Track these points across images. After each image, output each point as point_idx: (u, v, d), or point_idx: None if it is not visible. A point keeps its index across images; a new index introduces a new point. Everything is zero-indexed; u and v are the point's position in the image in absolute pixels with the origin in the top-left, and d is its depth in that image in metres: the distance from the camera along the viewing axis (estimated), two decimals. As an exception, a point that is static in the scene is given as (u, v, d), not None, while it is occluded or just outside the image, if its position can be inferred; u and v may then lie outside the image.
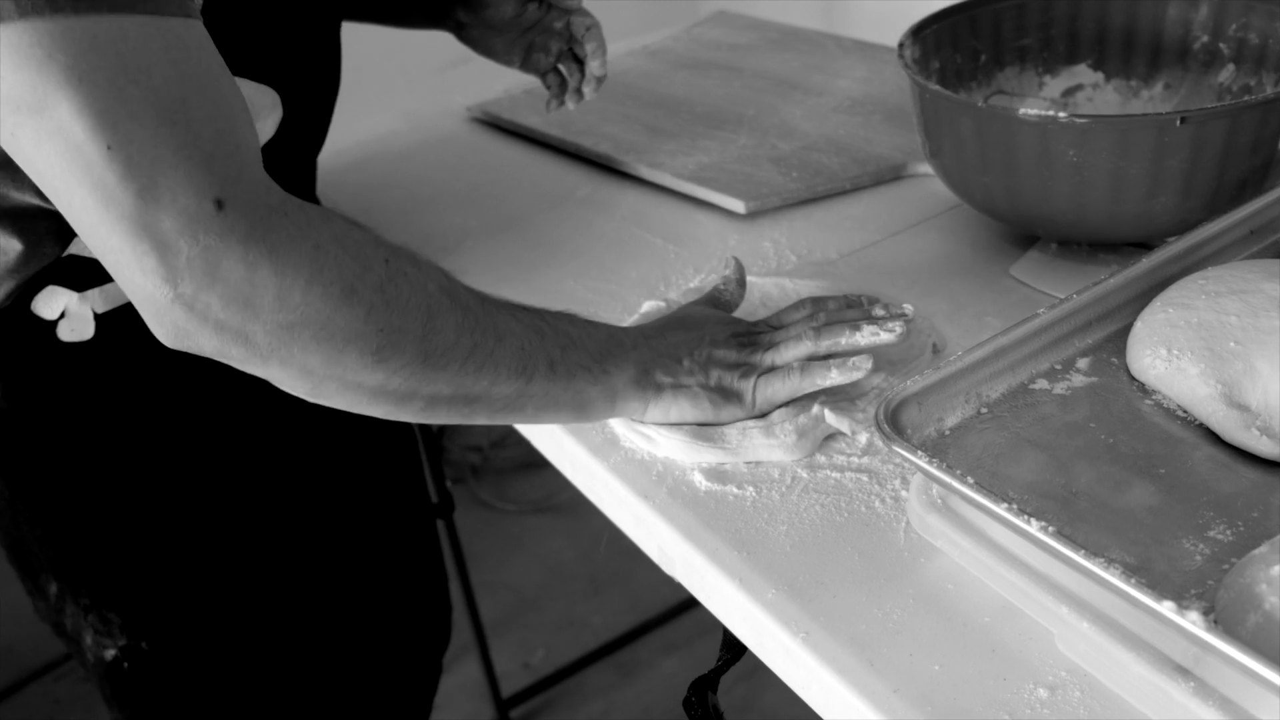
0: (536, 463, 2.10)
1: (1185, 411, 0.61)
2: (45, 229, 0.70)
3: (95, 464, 0.79)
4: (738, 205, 0.99)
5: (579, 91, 0.98)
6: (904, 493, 0.65)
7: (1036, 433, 0.61)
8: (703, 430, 0.69)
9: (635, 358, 0.69)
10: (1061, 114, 0.73)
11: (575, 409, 0.67)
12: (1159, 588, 0.45)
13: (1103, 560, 0.47)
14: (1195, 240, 0.70)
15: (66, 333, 0.74)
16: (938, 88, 0.80)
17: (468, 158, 1.19)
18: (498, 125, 1.24)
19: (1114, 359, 0.66)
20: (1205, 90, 0.91)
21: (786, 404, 0.70)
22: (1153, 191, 0.74)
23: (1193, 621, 0.43)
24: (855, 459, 0.68)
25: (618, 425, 0.73)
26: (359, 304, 0.56)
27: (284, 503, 0.88)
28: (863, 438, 0.69)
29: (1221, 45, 0.90)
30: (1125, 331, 0.66)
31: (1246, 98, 0.84)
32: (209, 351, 0.55)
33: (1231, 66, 0.89)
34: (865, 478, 0.67)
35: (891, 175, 1.03)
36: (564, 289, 0.90)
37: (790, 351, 0.70)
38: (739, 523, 0.65)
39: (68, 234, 0.71)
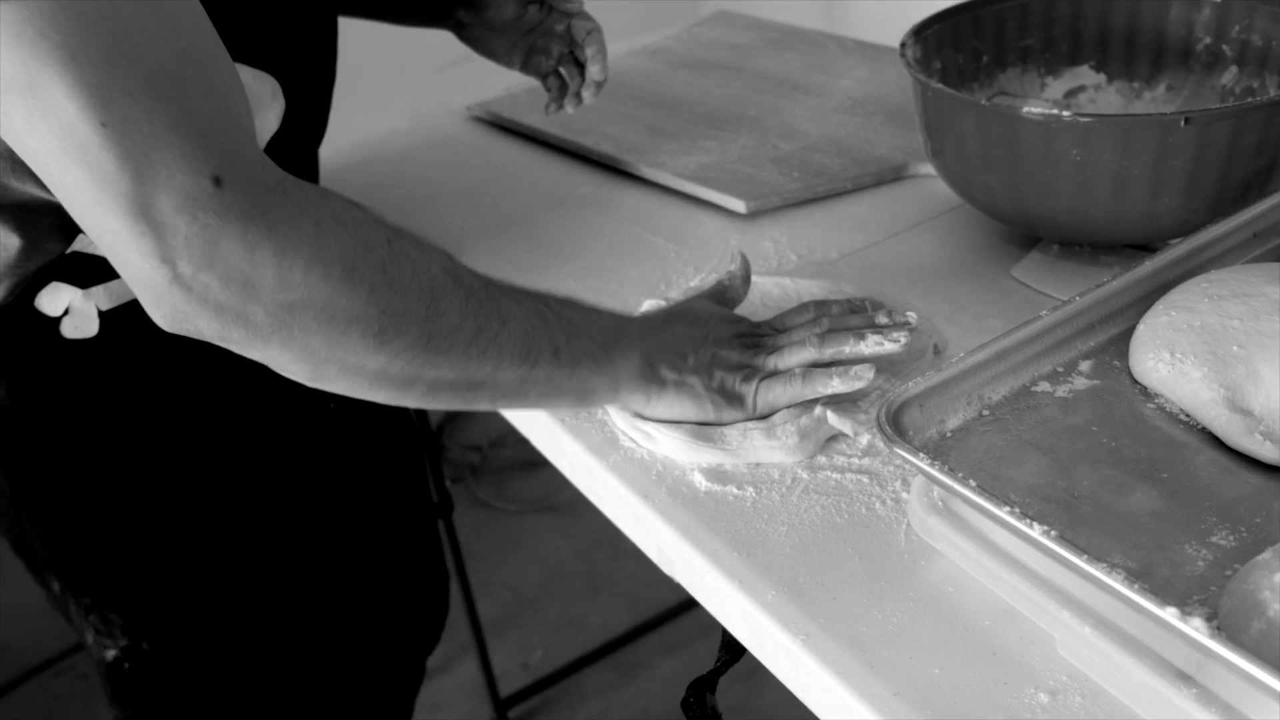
0: (535, 462, 2.10)
1: (1188, 415, 0.61)
2: (48, 224, 0.69)
3: (98, 462, 0.79)
4: (739, 205, 0.98)
5: (578, 95, 0.98)
6: (905, 494, 0.64)
7: (1038, 436, 0.60)
8: (703, 430, 0.69)
9: (641, 348, 0.68)
10: (1065, 113, 0.73)
11: (578, 396, 0.67)
12: (1162, 593, 0.45)
13: (1105, 565, 0.46)
14: (1198, 243, 0.70)
15: (70, 330, 0.74)
16: (940, 86, 0.80)
17: (468, 157, 1.19)
18: (498, 124, 1.24)
19: (1116, 362, 0.65)
20: (1208, 92, 0.91)
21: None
22: (1156, 192, 0.74)
23: (1196, 628, 0.43)
24: (856, 460, 0.68)
25: (618, 422, 0.73)
26: (361, 284, 0.55)
27: (287, 503, 0.88)
28: (864, 439, 0.69)
29: (1224, 47, 0.90)
30: (1128, 334, 0.66)
31: (1250, 99, 0.84)
32: (209, 335, 0.54)
33: (1234, 68, 0.89)
34: (866, 479, 0.66)
35: (893, 175, 1.03)
36: (565, 288, 0.89)
37: (793, 357, 0.69)
38: (739, 523, 0.64)
39: (71, 230, 0.71)
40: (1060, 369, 0.65)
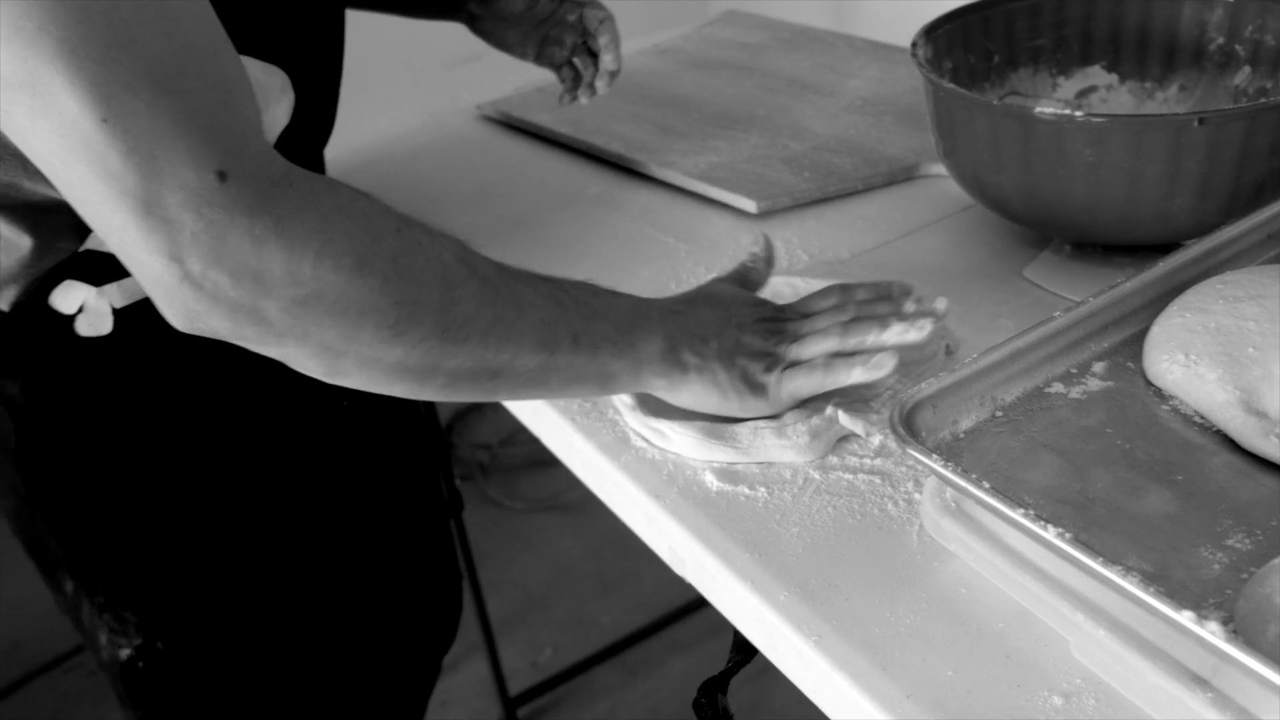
0: (545, 460, 2.09)
1: (1203, 418, 0.60)
2: (61, 223, 0.69)
3: (112, 460, 0.79)
4: (749, 205, 0.98)
5: (592, 86, 0.97)
6: (917, 495, 0.64)
7: (1052, 437, 0.60)
8: (714, 428, 0.69)
9: (662, 331, 0.67)
10: (1078, 113, 0.72)
11: (599, 382, 0.65)
12: (1177, 596, 0.45)
13: (1121, 568, 0.46)
14: (1213, 244, 0.70)
15: (84, 328, 0.74)
16: (952, 86, 0.79)
17: (477, 156, 1.19)
18: (508, 123, 1.24)
19: (1130, 363, 0.65)
20: (1221, 92, 0.91)
21: (803, 403, 0.69)
22: (1169, 193, 0.73)
23: (1212, 632, 0.43)
24: (868, 461, 0.68)
25: (630, 421, 0.73)
26: (372, 275, 0.54)
27: (301, 500, 0.88)
28: (876, 439, 0.68)
29: (1237, 47, 0.89)
30: (1141, 336, 0.66)
31: (1264, 99, 0.83)
32: (223, 333, 0.54)
33: (1248, 68, 0.89)
34: (878, 480, 0.66)
35: (904, 175, 1.02)
36: (575, 288, 0.89)
37: (816, 346, 0.68)
38: (750, 524, 0.64)
39: (84, 229, 0.71)
40: (1074, 370, 0.65)
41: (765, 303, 0.73)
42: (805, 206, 0.99)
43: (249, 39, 0.55)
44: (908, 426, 0.58)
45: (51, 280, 0.72)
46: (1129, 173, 0.73)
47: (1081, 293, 0.68)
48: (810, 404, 0.69)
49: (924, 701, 0.52)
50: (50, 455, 0.78)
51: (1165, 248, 0.80)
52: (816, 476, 0.67)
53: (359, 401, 0.88)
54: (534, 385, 0.63)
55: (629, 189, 1.07)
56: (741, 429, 0.69)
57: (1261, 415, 0.57)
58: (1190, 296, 0.65)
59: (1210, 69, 0.91)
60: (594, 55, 0.97)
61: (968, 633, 0.55)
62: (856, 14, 1.88)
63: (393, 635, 1.01)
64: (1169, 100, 0.93)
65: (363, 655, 0.98)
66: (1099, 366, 0.65)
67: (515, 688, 1.71)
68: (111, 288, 0.73)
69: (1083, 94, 0.95)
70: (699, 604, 1.74)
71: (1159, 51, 0.93)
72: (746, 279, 0.76)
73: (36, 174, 0.65)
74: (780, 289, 0.84)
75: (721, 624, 0.65)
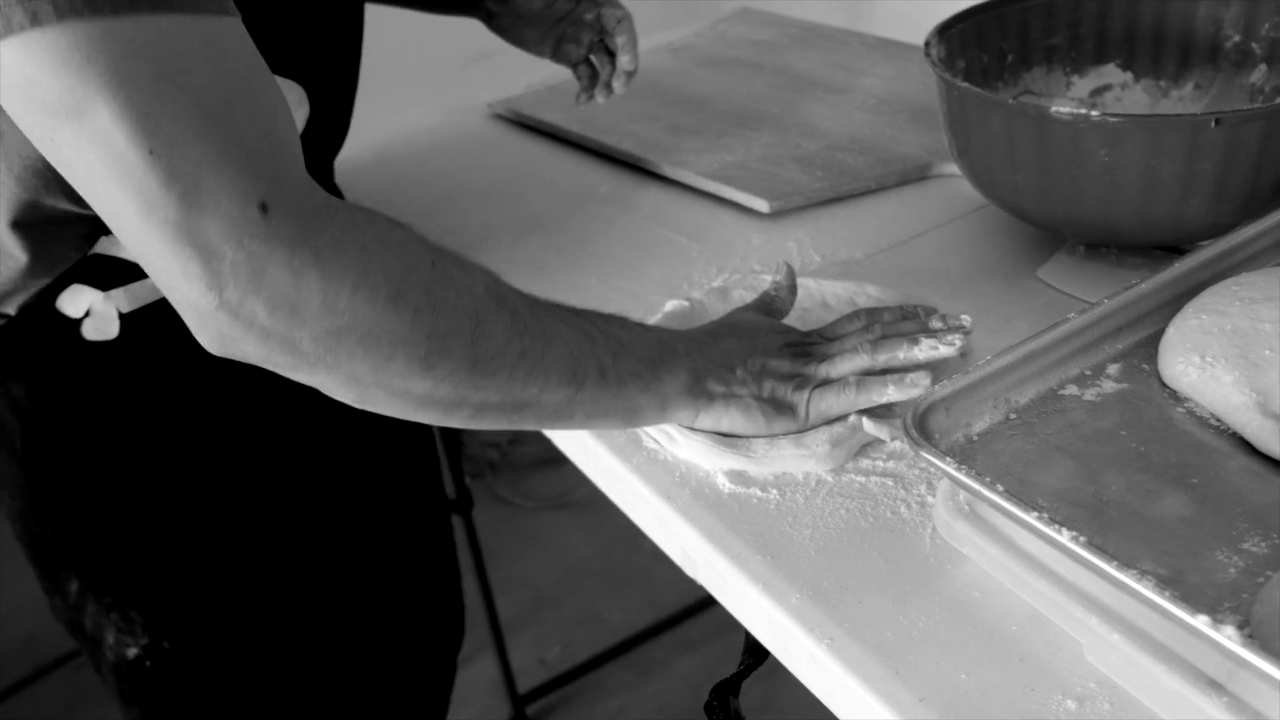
0: (554, 459, 2.10)
1: (1218, 420, 0.60)
2: (70, 234, 0.70)
3: (118, 462, 0.79)
4: (761, 204, 0.98)
5: (608, 86, 0.97)
6: (930, 498, 0.64)
7: (1066, 440, 0.60)
8: (729, 438, 0.69)
9: (688, 365, 0.67)
10: (1094, 113, 0.72)
11: (625, 416, 0.66)
12: (1192, 600, 0.45)
13: (1135, 572, 0.46)
14: (1229, 245, 0.69)
15: (91, 331, 0.74)
16: (966, 85, 0.79)
17: (490, 155, 1.19)
18: (520, 122, 1.24)
19: (1145, 365, 0.65)
20: (1237, 91, 0.90)
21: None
22: (1185, 194, 0.73)
23: (1228, 636, 0.42)
24: (881, 463, 0.68)
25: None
26: (406, 308, 0.54)
27: (305, 501, 0.88)
28: (893, 442, 0.68)
29: (1254, 45, 0.89)
30: (1156, 338, 0.65)
31: (1280, 99, 0.83)
32: (254, 359, 0.54)
33: (1264, 67, 0.88)
34: (890, 482, 0.66)
35: (917, 175, 1.02)
36: (587, 288, 0.89)
37: (846, 365, 0.68)
38: (763, 526, 0.64)
39: (92, 238, 0.71)
40: (1088, 372, 0.64)
41: (791, 329, 0.73)
42: (817, 206, 0.99)
43: (267, 54, 0.54)
44: (921, 429, 0.57)
45: (59, 284, 0.72)
46: (1144, 173, 0.72)
47: (1096, 294, 0.68)
48: None
49: (937, 705, 0.52)
50: (56, 457, 0.78)
51: (1180, 249, 0.80)
52: (829, 479, 0.67)
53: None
54: (559, 418, 0.63)
55: (641, 188, 1.07)
56: (757, 439, 0.68)
57: (1278, 418, 0.57)
58: (1206, 298, 0.64)
59: (1226, 67, 0.91)
60: (611, 54, 0.97)
61: (981, 636, 0.55)
62: (870, 11, 1.88)
63: (396, 632, 1.01)
64: (1184, 99, 0.93)
65: (368, 652, 0.98)
66: (1113, 369, 0.65)
67: (524, 685, 1.71)
68: (119, 292, 0.74)
69: (1097, 92, 0.95)
70: (709, 602, 1.73)
71: (1174, 49, 0.93)
72: (770, 307, 0.76)
73: (57, 191, 0.65)
74: (792, 289, 0.84)
75: (732, 622, 0.65)
